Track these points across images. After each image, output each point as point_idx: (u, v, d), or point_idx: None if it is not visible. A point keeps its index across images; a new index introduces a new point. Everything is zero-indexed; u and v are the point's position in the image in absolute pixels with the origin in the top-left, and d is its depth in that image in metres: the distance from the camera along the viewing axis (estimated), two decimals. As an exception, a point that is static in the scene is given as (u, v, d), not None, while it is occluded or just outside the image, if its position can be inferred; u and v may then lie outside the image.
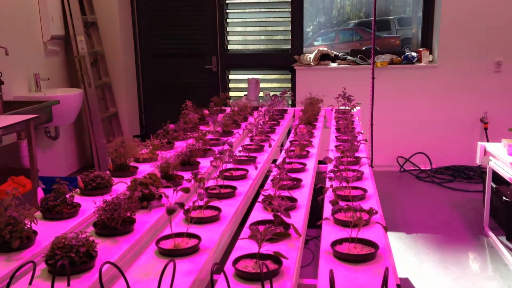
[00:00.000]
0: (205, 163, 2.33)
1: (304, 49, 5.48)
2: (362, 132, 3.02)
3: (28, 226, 1.49)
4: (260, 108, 3.72)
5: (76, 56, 4.87)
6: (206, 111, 3.49)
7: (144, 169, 2.22)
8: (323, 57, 5.29)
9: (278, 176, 1.89)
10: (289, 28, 5.40)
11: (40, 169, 3.79)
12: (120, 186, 1.96)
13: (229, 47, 5.58)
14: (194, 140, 2.59)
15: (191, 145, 2.34)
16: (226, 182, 2.03)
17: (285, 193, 1.91)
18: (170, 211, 1.47)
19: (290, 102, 5.33)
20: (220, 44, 5.50)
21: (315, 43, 5.93)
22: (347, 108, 3.50)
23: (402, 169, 5.26)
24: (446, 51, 5.06)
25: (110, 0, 5.20)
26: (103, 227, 1.56)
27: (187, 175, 1.96)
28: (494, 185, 3.68)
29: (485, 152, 3.53)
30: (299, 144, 2.56)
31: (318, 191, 1.91)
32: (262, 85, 5.19)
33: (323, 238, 1.56)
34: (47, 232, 1.57)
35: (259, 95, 4.96)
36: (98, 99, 5.03)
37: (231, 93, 5.63)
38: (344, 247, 1.47)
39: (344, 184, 1.93)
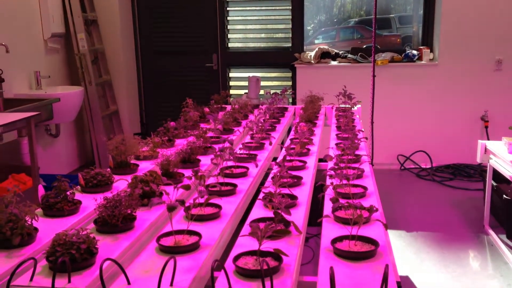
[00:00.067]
0: (205, 161, 2.33)
1: (304, 47, 5.48)
2: (363, 130, 3.03)
3: (29, 223, 1.49)
4: (260, 106, 3.73)
5: (76, 53, 4.87)
6: (206, 109, 3.49)
7: (145, 167, 2.22)
8: (324, 55, 5.29)
9: (278, 174, 1.89)
10: (290, 26, 5.40)
11: (40, 166, 3.79)
12: (121, 183, 1.97)
13: (230, 45, 5.58)
14: (194, 138, 2.60)
15: (192, 143, 2.35)
16: (227, 180, 2.04)
17: (286, 191, 1.91)
18: (171, 208, 1.47)
19: (290, 100, 5.33)
20: (220, 42, 5.50)
21: (316, 41, 5.92)
22: (347, 106, 3.50)
23: (402, 167, 5.26)
24: (446, 49, 5.05)
25: (111, -2, 5.20)
26: (103, 224, 1.56)
27: (187, 172, 1.96)
28: (494, 183, 3.68)
29: (486, 150, 3.53)
30: (300, 142, 2.56)
31: (318, 189, 1.91)
32: (262, 83, 5.18)
33: (324, 236, 1.56)
34: (48, 229, 1.57)
35: (260, 93, 4.95)
36: (98, 97, 5.03)
37: (232, 91, 5.63)
38: (345, 244, 1.47)
39: (344, 182, 1.93)
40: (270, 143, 2.72)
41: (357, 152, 2.44)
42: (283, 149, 2.62)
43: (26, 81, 4.36)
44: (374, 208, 1.58)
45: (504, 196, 3.49)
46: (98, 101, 4.99)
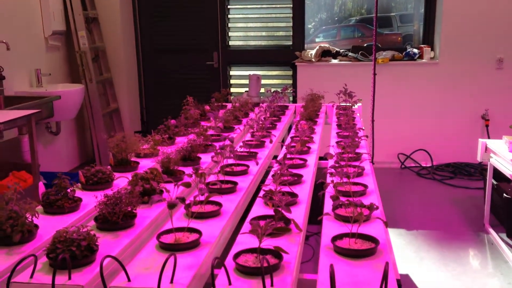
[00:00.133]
0: (206, 159, 2.33)
1: (305, 45, 5.47)
2: (363, 128, 3.02)
3: (29, 220, 1.50)
4: (261, 104, 3.73)
5: (77, 51, 4.86)
6: (207, 107, 3.49)
7: (145, 164, 2.22)
8: (325, 54, 5.28)
9: (279, 172, 1.89)
10: (291, 24, 5.39)
11: (41, 164, 3.79)
12: (121, 181, 1.97)
13: (231, 43, 5.58)
14: (195, 136, 2.60)
15: (192, 141, 2.35)
16: (227, 178, 2.04)
17: (286, 189, 1.91)
18: (171, 206, 1.47)
19: (291, 98, 5.33)
20: (221, 40, 5.49)
21: (317, 40, 5.92)
22: (348, 104, 3.50)
23: (402, 166, 5.26)
24: (447, 48, 5.05)
25: (112, -4, 5.20)
26: (104, 222, 1.56)
27: (188, 170, 1.96)
28: (494, 182, 3.68)
29: (486, 149, 3.53)
30: (300, 140, 2.56)
31: (319, 187, 1.91)
32: (263, 81, 5.18)
33: (324, 233, 1.56)
34: (48, 226, 1.57)
35: (260, 91, 4.95)
36: (99, 95, 5.03)
37: (232, 89, 5.62)
38: (345, 242, 1.47)
39: (345, 179, 1.93)
40: (271, 141, 2.72)
41: (357, 150, 2.44)
42: (284, 147, 2.62)
43: (27, 78, 4.36)
44: (375, 206, 1.58)
45: (505, 194, 3.49)
46: (99, 99, 4.99)
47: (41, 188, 3.35)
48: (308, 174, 2.17)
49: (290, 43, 5.45)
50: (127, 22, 5.44)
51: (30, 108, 3.52)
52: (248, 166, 2.23)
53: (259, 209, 1.78)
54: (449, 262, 3.22)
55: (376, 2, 4.33)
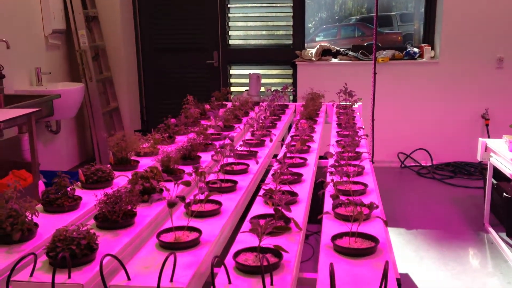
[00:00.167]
0: (206, 157, 2.33)
1: (305, 44, 5.47)
2: (363, 127, 3.02)
3: (29, 218, 1.50)
4: (261, 103, 3.72)
5: (77, 50, 4.86)
6: (207, 106, 3.49)
7: (145, 163, 2.22)
8: (325, 53, 5.28)
9: (279, 171, 1.89)
10: (291, 23, 5.39)
11: (41, 163, 3.79)
12: (121, 179, 1.97)
13: (231, 42, 5.57)
14: (195, 135, 2.60)
15: (192, 140, 2.34)
16: (227, 176, 2.04)
17: (286, 188, 1.91)
18: (171, 205, 1.47)
19: (291, 97, 5.33)
20: (221, 39, 5.49)
21: (317, 39, 5.92)
22: (348, 103, 3.50)
23: (403, 165, 5.26)
24: (448, 47, 5.05)
25: (112, -6, 5.20)
26: (104, 220, 1.56)
27: (188, 169, 1.96)
28: (494, 181, 3.68)
29: (486, 148, 3.53)
30: (300, 139, 2.56)
31: (318, 186, 1.91)
32: (263, 80, 5.18)
33: (324, 232, 1.56)
34: (48, 224, 1.57)
35: (261, 90, 4.95)
36: (99, 93, 5.03)
37: (232, 88, 5.62)
38: (345, 241, 1.47)
39: (345, 178, 1.93)
40: (271, 140, 2.72)
41: (357, 150, 2.44)
42: (284, 146, 2.62)
43: (27, 77, 4.36)
44: (374, 205, 1.58)
45: (504, 194, 3.49)
46: (99, 97, 4.99)
47: (41, 186, 3.35)
48: (308, 173, 2.17)
49: (290, 42, 5.45)
50: (127, 21, 5.44)
51: (30, 106, 3.52)
52: (248, 165, 2.22)
53: (259, 208, 1.78)
54: (449, 261, 3.22)
55: (376, 1, 4.33)
